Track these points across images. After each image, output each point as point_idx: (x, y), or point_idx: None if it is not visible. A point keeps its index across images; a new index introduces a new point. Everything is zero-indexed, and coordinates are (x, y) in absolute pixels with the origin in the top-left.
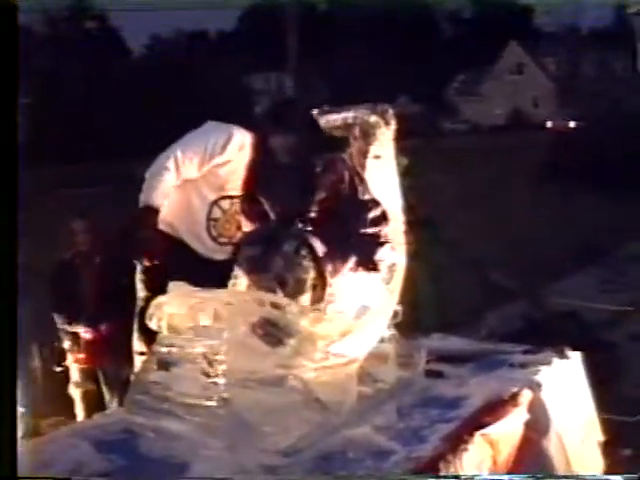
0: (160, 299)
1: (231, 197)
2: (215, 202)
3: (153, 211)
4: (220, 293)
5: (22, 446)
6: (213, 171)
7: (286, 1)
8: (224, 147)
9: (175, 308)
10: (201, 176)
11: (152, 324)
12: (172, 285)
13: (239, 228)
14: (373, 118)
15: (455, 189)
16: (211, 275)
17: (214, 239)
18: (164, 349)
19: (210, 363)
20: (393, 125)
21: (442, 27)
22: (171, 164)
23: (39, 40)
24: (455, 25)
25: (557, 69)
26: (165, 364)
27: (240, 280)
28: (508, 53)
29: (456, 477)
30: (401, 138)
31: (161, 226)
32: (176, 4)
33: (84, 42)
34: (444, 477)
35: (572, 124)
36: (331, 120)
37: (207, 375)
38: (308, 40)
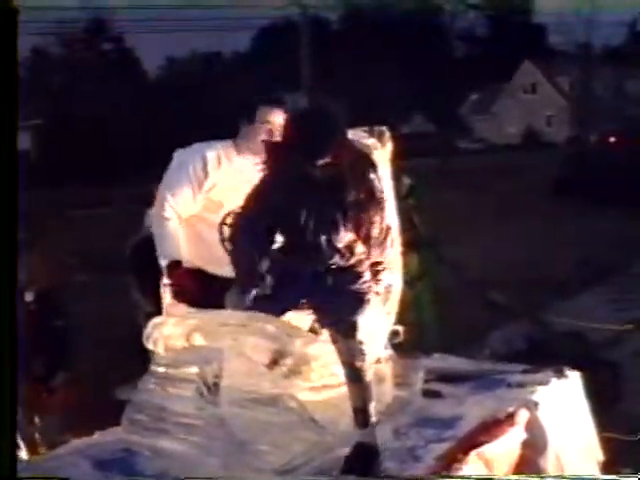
0: (158, 319)
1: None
2: (222, 223)
3: (177, 263)
4: (217, 314)
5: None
6: (206, 197)
7: (300, 22)
8: (205, 170)
9: (172, 329)
10: (200, 207)
11: (149, 344)
12: (169, 306)
13: None
14: (370, 140)
15: (462, 208)
16: None
17: (226, 249)
18: (161, 369)
19: (206, 383)
20: (389, 147)
21: (456, 46)
22: (169, 212)
23: (54, 61)
24: (469, 44)
25: (571, 88)
26: (162, 384)
27: None
28: (522, 72)
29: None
30: (405, 157)
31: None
32: (191, 26)
33: (100, 63)
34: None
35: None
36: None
37: (202, 395)
38: (322, 60)
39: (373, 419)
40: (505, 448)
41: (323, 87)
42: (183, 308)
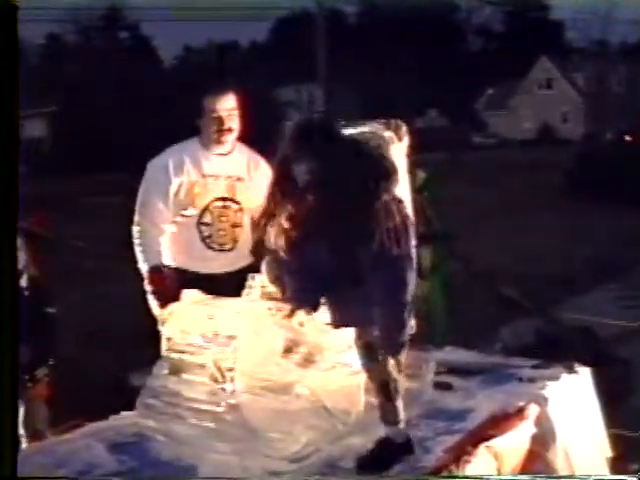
0: (173, 306)
1: (223, 199)
2: (199, 222)
3: (157, 268)
4: (232, 302)
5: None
6: (176, 200)
7: (316, 13)
8: (167, 177)
9: (187, 315)
10: (172, 211)
11: (165, 330)
12: (185, 293)
13: (234, 239)
14: (387, 133)
15: (476, 203)
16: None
17: (209, 246)
18: (175, 355)
19: (219, 370)
20: (406, 140)
21: (472, 41)
22: (144, 223)
23: (70, 49)
24: (485, 39)
25: (587, 84)
26: (176, 370)
27: (254, 290)
28: (538, 67)
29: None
30: (415, 153)
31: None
32: (208, 15)
33: (116, 52)
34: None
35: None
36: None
37: (216, 381)
38: (337, 52)
39: (402, 415)
40: (514, 442)
41: (338, 80)
42: (198, 294)
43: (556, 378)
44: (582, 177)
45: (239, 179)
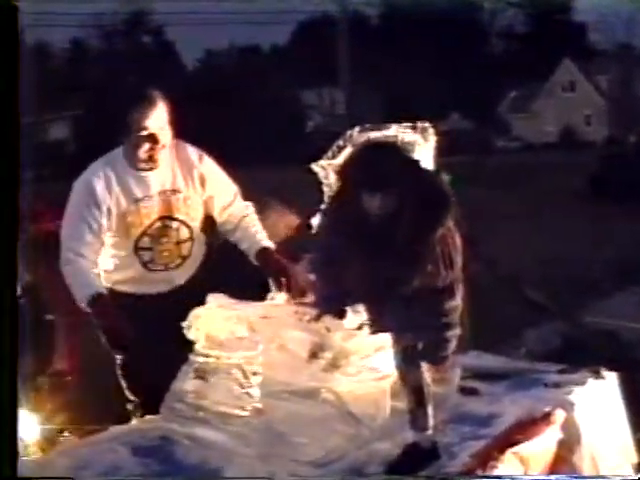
0: (198, 310)
1: (161, 219)
2: (137, 247)
3: (99, 296)
4: (258, 306)
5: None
6: (106, 230)
7: (338, 16)
8: (97, 206)
9: (213, 319)
10: (103, 238)
11: (190, 334)
12: (211, 297)
13: (181, 255)
14: (413, 136)
15: (499, 206)
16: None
17: (152, 270)
18: (201, 359)
19: (245, 374)
20: (433, 143)
21: (495, 43)
22: (72, 257)
23: (94, 54)
24: (508, 41)
25: (610, 87)
26: (201, 374)
27: (279, 294)
28: (561, 70)
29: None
30: (442, 155)
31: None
32: (230, 19)
33: (139, 56)
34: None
35: None
36: (372, 138)
37: (241, 386)
38: (360, 55)
39: (431, 421)
40: (541, 447)
41: (360, 83)
42: (224, 298)
43: (582, 383)
44: (605, 180)
45: (174, 191)
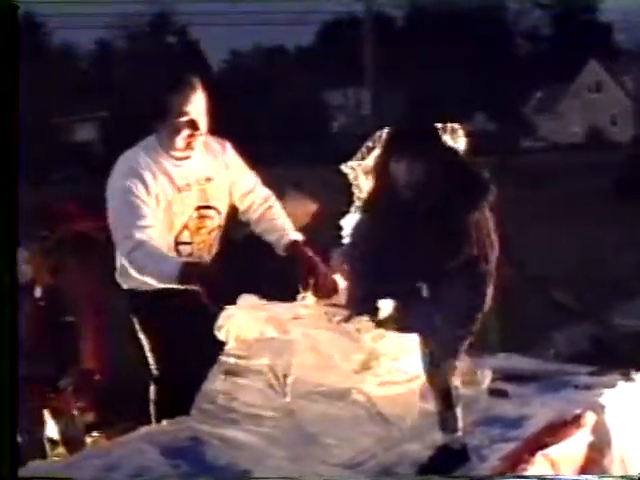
0: (229, 311)
1: (198, 209)
2: (177, 242)
3: (191, 265)
4: (289, 306)
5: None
6: (159, 214)
7: (364, 17)
8: (145, 190)
9: (243, 320)
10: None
11: (220, 335)
12: (242, 297)
13: (210, 247)
14: (443, 137)
15: (526, 207)
16: None
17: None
18: (231, 360)
19: (275, 375)
20: (463, 144)
21: (520, 44)
22: (148, 243)
23: (120, 55)
24: (533, 42)
25: (636, 87)
26: (232, 374)
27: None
28: (587, 70)
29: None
30: (468, 156)
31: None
32: (255, 20)
33: (164, 57)
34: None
35: None
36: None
37: (272, 386)
38: (385, 56)
39: (460, 423)
40: (571, 450)
41: (385, 83)
42: (254, 299)
43: (612, 385)
44: (631, 180)
45: (208, 179)
